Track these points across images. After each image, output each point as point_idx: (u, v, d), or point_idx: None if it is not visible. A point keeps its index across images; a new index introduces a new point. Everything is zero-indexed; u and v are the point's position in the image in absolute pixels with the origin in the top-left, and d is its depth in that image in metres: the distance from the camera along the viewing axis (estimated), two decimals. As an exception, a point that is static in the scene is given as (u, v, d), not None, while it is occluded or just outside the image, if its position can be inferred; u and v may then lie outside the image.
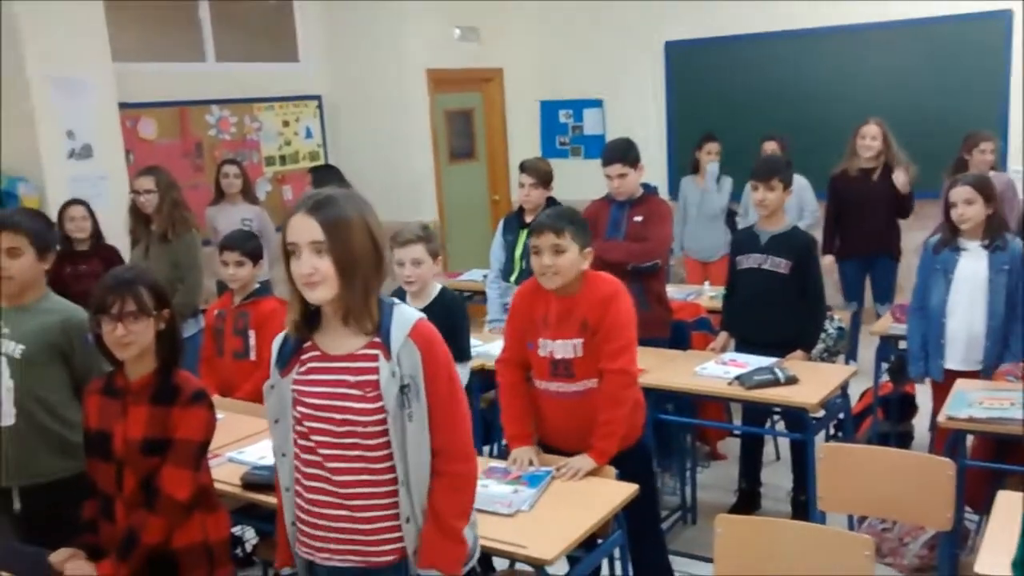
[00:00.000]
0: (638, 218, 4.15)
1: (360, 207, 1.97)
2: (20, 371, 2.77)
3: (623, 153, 4.12)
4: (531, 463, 2.85)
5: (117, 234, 5.16)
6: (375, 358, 1.98)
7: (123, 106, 5.75)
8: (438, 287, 3.50)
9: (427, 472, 2.02)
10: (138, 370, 2.41)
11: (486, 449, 4.25)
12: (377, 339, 1.99)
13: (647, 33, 7.69)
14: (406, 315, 2.01)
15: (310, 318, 2.03)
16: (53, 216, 4.58)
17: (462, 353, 3.43)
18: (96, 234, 4.95)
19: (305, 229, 1.91)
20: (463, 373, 3.43)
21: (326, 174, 5.80)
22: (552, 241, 2.86)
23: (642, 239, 4.10)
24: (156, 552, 2.35)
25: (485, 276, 5.08)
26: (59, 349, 2.80)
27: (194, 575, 2.41)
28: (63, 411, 2.81)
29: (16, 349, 2.77)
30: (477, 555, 2.18)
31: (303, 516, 2.09)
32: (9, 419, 2.78)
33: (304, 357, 2.05)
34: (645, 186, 4.23)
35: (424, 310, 3.33)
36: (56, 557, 2.38)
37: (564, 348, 2.93)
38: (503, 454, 3.59)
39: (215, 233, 5.58)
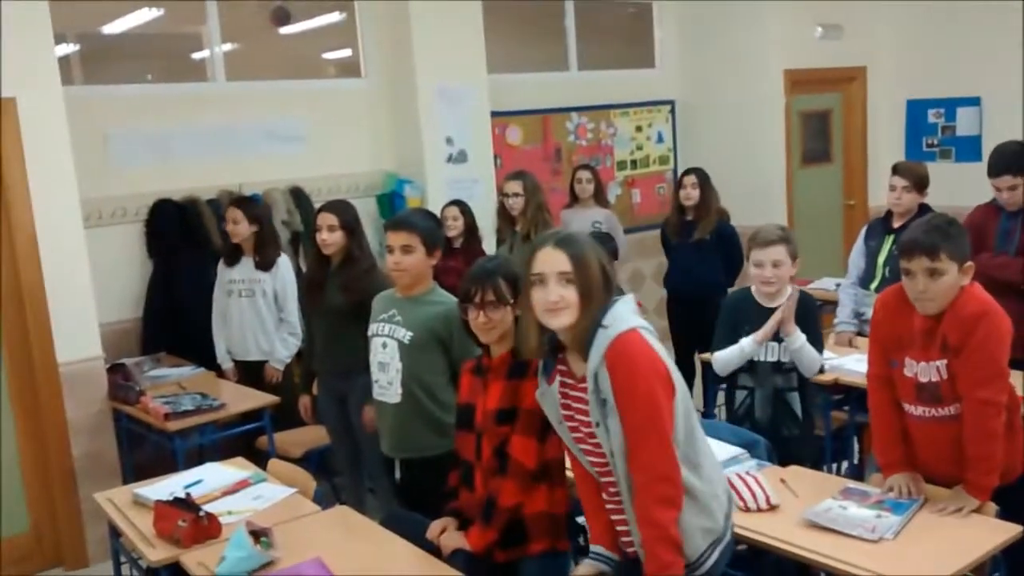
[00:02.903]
0: None
1: (593, 246, 2.20)
2: (407, 355, 3.11)
3: (1013, 162, 3.68)
4: (910, 492, 2.65)
5: (484, 233, 5.58)
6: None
7: (494, 114, 6.19)
8: (788, 289, 3.34)
9: None
10: (498, 350, 2.64)
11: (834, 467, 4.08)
12: None
13: (1038, 23, 6.87)
14: (607, 335, 2.09)
15: (552, 342, 2.22)
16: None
17: (816, 346, 3.30)
18: (468, 232, 5.25)
19: (554, 261, 2.12)
20: (814, 364, 3.28)
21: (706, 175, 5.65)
22: (926, 265, 2.57)
23: None
24: (510, 518, 2.53)
25: (838, 285, 4.83)
26: (439, 337, 3.10)
27: (539, 543, 2.56)
28: (440, 393, 3.12)
29: (406, 335, 3.12)
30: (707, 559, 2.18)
31: (612, 508, 2.29)
32: (397, 397, 3.15)
33: (560, 369, 2.26)
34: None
35: (775, 309, 3.31)
36: (432, 532, 2.65)
37: (927, 371, 2.67)
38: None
39: (570, 234, 5.82)
